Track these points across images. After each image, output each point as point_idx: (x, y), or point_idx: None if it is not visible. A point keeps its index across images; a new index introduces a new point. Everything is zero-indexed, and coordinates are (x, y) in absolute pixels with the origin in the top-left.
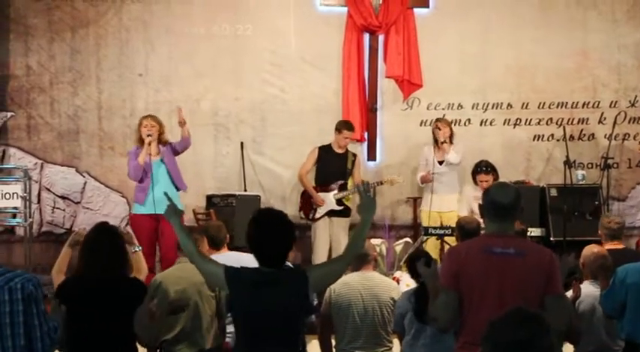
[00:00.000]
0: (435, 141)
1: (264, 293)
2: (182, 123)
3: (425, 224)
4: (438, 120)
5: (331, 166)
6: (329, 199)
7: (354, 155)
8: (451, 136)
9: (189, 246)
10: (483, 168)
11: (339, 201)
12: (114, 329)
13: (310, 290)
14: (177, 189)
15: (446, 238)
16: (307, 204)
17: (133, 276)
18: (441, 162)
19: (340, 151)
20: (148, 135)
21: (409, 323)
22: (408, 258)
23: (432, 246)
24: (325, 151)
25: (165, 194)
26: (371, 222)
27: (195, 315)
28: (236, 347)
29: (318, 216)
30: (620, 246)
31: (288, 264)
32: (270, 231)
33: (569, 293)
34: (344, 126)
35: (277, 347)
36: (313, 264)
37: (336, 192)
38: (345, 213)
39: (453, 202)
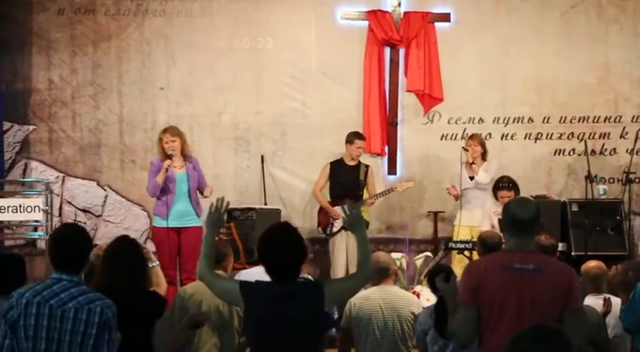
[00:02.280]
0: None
1: (280, 307)
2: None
3: (455, 238)
4: (470, 137)
5: (344, 179)
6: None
7: (367, 166)
8: (484, 154)
9: (204, 265)
10: (505, 183)
11: None
12: (133, 343)
13: (326, 304)
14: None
15: (467, 252)
16: (324, 219)
17: (152, 290)
18: (472, 178)
19: (352, 163)
20: (169, 155)
21: (432, 340)
22: (428, 273)
23: (458, 261)
24: (337, 165)
25: (223, 198)
26: (365, 237)
27: (229, 332)
28: None
29: (335, 230)
30: None
31: (308, 276)
32: (280, 245)
33: (600, 308)
34: (355, 136)
35: None
36: (331, 279)
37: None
38: None
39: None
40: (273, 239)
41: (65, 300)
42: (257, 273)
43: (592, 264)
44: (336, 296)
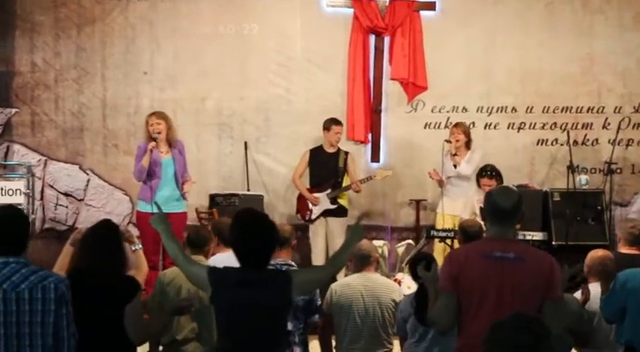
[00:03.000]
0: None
1: (247, 294)
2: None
3: (439, 227)
4: (454, 125)
5: (323, 166)
6: (323, 198)
7: (346, 153)
8: (468, 142)
9: (173, 250)
10: (488, 172)
11: (333, 200)
12: (110, 326)
13: (293, 293)
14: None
15: (449, 241)
16: (303, 206)
17: (127, 274)
18: (455, 166)
19: (332, 151)
20: (154, 139)
21: (412, 328)
22: (410, 260)
23: (439, 250)
24: (316, 153)
25: (156, 203)
26: (355, 245)
27: (208, 318)
28: (219, 346)
29: (314, 217)
30: (636, 252)
31: (291, 262)
32: (252, 231)
33: (579, 296)
34: (332, 122)
35: (259, 347)
36: (301, 269)
37: (329, 190)
38: (340, 212)
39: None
40: (246, 224)
41: (17, 282)
42: (225, 259)
43: (600, 253)
44: (303, 286)
